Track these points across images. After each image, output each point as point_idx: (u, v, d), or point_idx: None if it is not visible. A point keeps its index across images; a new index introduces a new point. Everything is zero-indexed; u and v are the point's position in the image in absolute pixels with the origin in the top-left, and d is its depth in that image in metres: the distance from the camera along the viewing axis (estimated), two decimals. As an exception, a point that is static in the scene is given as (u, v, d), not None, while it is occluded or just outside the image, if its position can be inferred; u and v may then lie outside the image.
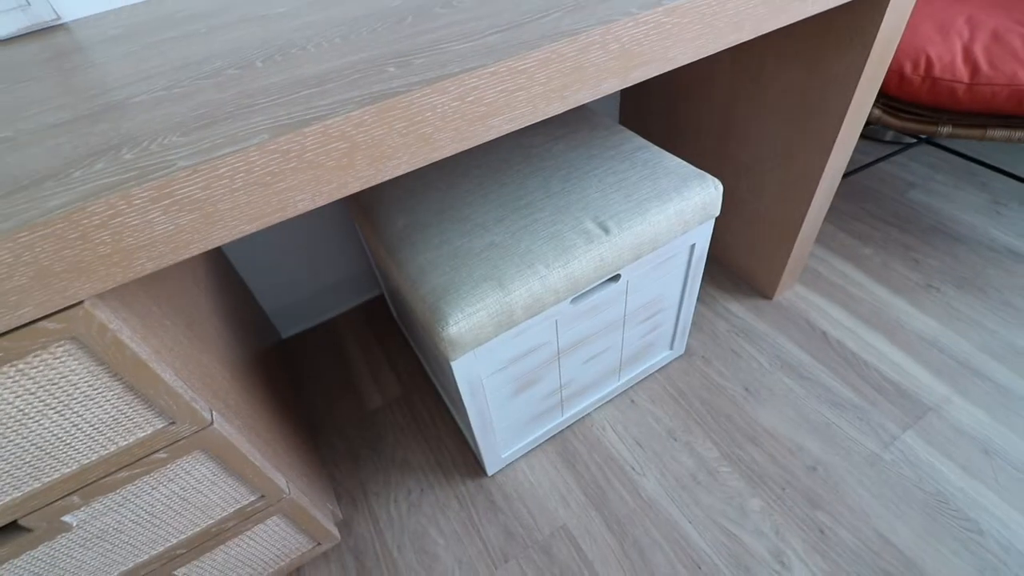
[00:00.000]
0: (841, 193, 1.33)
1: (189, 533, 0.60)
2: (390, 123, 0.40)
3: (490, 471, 0.88)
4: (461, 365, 0.64)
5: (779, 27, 0.58)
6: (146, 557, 0.59)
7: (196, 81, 0.46)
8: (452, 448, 0.94)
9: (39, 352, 0.39)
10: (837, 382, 0.95)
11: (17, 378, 0.39)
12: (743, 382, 0.97)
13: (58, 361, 0.40)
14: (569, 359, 0.79)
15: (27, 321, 0.36)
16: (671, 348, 0.98)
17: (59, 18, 0.67)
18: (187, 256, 0.39)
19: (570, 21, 0.47)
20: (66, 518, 0.50)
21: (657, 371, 1.00)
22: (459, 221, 0.70)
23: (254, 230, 0.40)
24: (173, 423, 0.49)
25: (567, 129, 0.85)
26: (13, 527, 0.48)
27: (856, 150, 1.46)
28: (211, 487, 0.57)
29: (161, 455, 0.50)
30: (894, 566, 0.74)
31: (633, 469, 0.87)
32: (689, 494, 0.83)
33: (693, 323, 1.07)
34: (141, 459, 0.49)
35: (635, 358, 0.92)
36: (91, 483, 0.48)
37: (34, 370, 0.40)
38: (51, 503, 0.47)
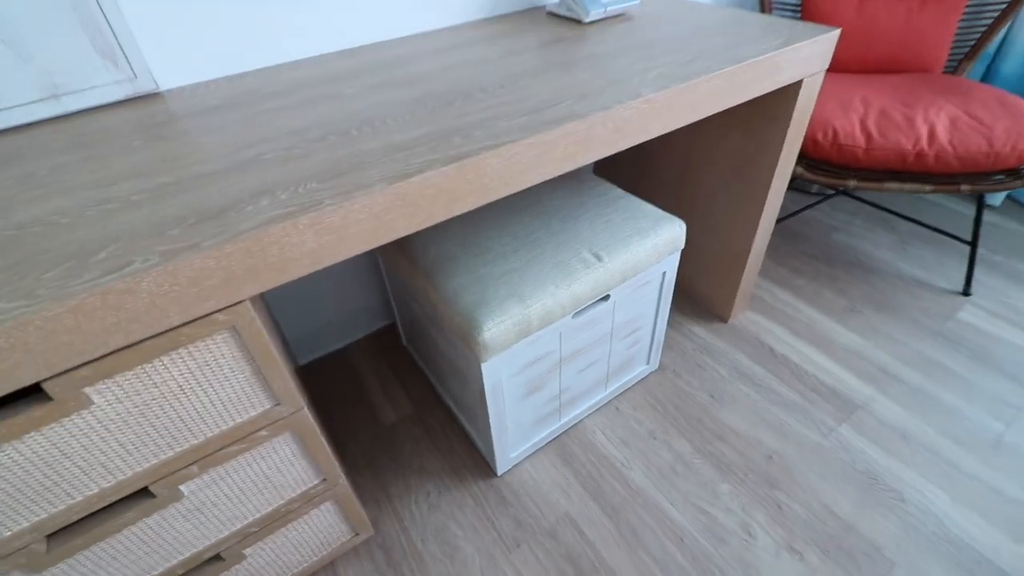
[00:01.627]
0: (780, 236, 1.58)
1: (264, 512, 0.71)
2: (463, 176, 0.58)
3: (499, 471, 1.01)
4: (489, 367, 0.79)
5: (723, 109, 0.80)
6: (227, 533, 0.69)
7: (309, 144, 0.62)
8: (464, 455, 1.06)
9: (205, 338, 0.53)
10: (784, 388, 1.14)
11: (185, 359, 0.53)
12: (708, 390, 1.14)
13: (216, 346, 0.54)
14: (568, 367, 0.95)
15: (208, 312, 0.50)
16: (647, 363, 1.15)
17: (158, 88, 0.82)
18: (321, 267, 0.54)
19: (579, 107, 0.66)
20: (182, 487, 0.61)
21: (637, 383, 1.16)
22: (481, 252, 0.86)
23: (364, 250, 0.56)
24: (278, 404, 0.62)
25: (559, 181, 1.05)
26: (142, 493, 0.59)
27: (791, 200, 1.72)
28: (289, 467, 0.69)
29: (263, 433, 0.63)
30: (837, 530, 0.90)
31: (622, 464, 1.02)
32: (670, 482, 0.99)
33: (665, 343, 1.26)
34: (249, 435, 0.62)
35: (619, 370, 1.09)
36: (209, 455, 0.60)
37: (198, 352, 0.53)
38: (176, 471, 0.59)
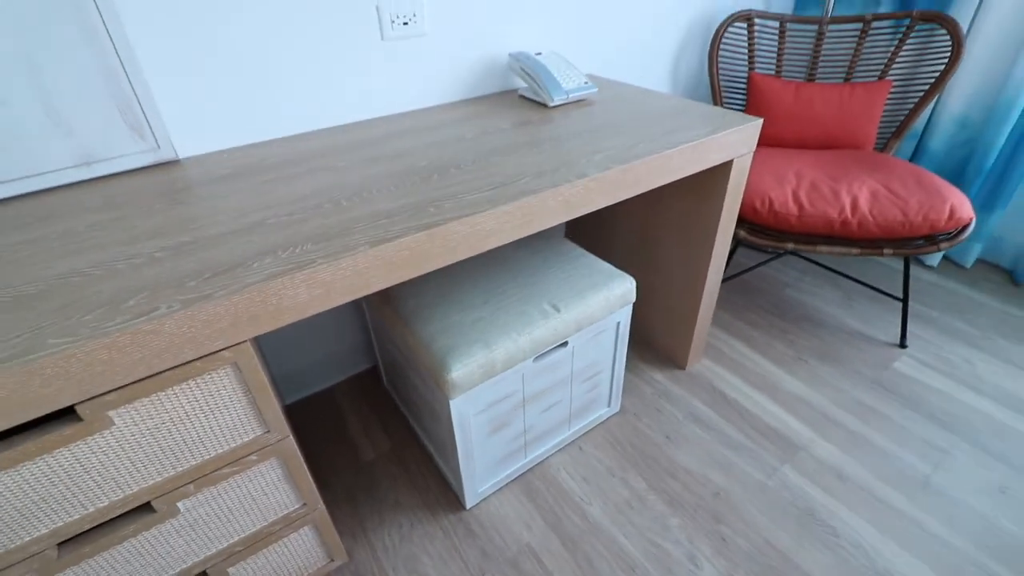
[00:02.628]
0: (738, 291, 1.71)
1: (249, 532, 0.79)
2: (433, 240, 0.70)
3: (468, 504, 1.08)
4: (457, 404, 0.89)
5: (660, 185, 0.94)
6: (214, 551, 0.77)
7: (306, 211, 0.75)
8: (436, 491, 1.14)
9: (209, 372, 0.63)
10: (733, 430, 1.24)
11: (193, 388, 0.63)
12: (664, 432, 1.24)
13: (219, 378, 0.64)
14: (531, 407, 1.05)
15: (216, 349, 0.61)
16: (609, 406, 1.25)
17: (177, 156, 0.95)
18: (311, 315, 0.65)
19: (534, 184, 0.79)
20: (180, 504, 0.69)
21: (599, 424, 1.26)
22: (455, 302, 0.98)
23: (348, 300, 0.67)
24: (268, 431, 0.71)
25: (529, 240, 1.18)
26: (145, 507, 0.68)
27: (747, 257, 1.88)
28: (274, 490, 0.78)
29: (253, 457, 0.72)
30: (777, 562, 0.99)
31: (582, 499, 1.10)
32: (625, 516, 1.07)
33: (627, 389, 1.36)
34: (241, 459, 0.71)
35: (581, 412, 1.18)
36: (206, 475, 0.69)
37: (204, 384, 0.63)
38: (176, 489, 0.68)
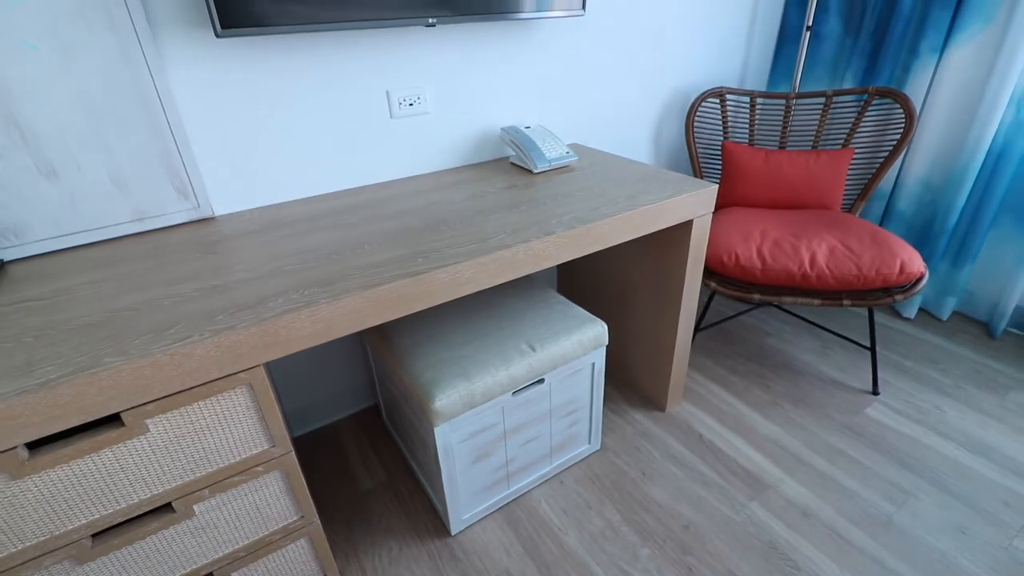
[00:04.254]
0: (721, 339, 1.81)
1: (252, 539, 0.89)
2: (418, 286, 0.84)
3: (453, 531, 1.17)
4: (441, 431, 1.01)
5: (621, 242, 1.08)
6: (221, 554, 0.88)
7: (316, 260, 0.90)
8: (425, 518, 1.23)
9: (229, 390, 0.76)
10: (707, 469, 1.31)
11: (213, 403, 0.76)
12: (641, 468, 1.32)
13: (235, 396, 0.77)
14: (513, 439, 1.15)
15: (235, 371, 0.74)
16: (589, 443, 1.34)
17: (213, 214, 1.13)
18: (312, 345, 0.79)
19: (508, 240, 0.94)
20: (195, 506, 0.81)
21: (581, 460, 1.35)
22: (443, 341, 1.11)
23: (345, 334, 0.81)
24: (274, 445, 0.83)
25: (515, 289, 1.32)
26: (166, 508, 0.79)
27: (729, 307, 1.98)
28: (276, 501, 0.89)
29: (259, 468, 0.84)
30: (737, 592, 1.05)
31: (559, 528, 1.18)
32: (598, 546, 1.14)
33: (609, 428, 1.45)
34: (248, 469, 0.83)
35: (562, 447, 1.28)
36: (219, 482, 0.81)
37: (222, 400, 0.76)
38: (193, 492, 0.80)
